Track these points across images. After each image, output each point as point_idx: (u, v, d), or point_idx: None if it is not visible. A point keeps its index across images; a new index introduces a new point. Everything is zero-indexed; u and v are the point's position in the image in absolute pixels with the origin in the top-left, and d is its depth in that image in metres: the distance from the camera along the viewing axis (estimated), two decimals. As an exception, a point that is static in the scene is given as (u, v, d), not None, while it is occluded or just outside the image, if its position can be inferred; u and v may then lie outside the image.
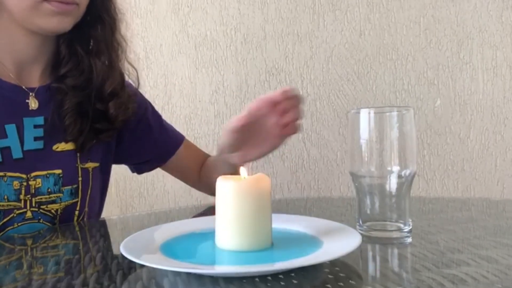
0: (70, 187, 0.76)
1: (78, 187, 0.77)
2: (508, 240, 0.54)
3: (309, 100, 1.43)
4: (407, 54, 1.43)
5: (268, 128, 0.71)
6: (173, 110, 1.41)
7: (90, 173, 0.79)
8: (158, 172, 1.41)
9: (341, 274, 0.42)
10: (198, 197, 1.40)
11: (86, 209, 0.79)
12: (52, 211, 0.74)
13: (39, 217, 0.73)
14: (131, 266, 0.47)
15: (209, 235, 0.49)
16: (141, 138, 0.89)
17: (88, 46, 0.78)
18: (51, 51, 0.78)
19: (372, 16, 1.43)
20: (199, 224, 0.56)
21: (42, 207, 0.73)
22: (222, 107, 1.40)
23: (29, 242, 0.64)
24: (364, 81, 1.43)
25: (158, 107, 1.40)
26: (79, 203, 0.77)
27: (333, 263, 0.45)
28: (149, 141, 0.91)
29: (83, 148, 0.77)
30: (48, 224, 0.74)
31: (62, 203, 0.75)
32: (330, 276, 0.42)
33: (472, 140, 1.43)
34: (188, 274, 0.43)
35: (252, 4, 1.41)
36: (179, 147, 0.94)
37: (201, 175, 0.97)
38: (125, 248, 0.45)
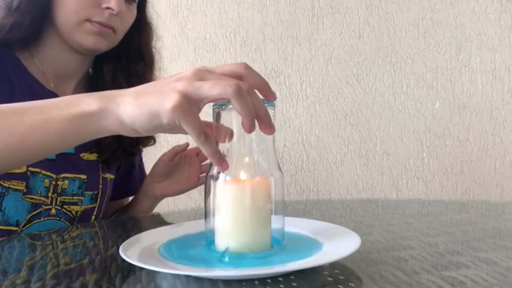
0: (91, 192, 0.84)
1: (98, 193, 0.85)
2: (508, 242, 0.54)
3: (308, 102, 1.43)
4: (406, 56, 1.43)
5: (189, 171, 0.89)
6: (172, 113, 1.41)
7: (108, 183, 0.88)
8: (157, 175, 1.41)
9: (341, 277, 0.42)
10: (197, 200, 1.40)
11: (100, 215, 0.87)
12: (73, 212, 0.81)
13: (61, 216, 0.79)
14: (130, 269, 0.47)
15: (209, 237, 0.49)
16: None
17: (130, 79, 0.87)
18: (86, 69, 0.87)
19: (371, 19, 1.43)
20: (198, 226, 0.56)
21: (65, 206, 0.80)
22: (222, 110, 1.41)
23: (28, 243, 0.64)
24: (363, 83, 1.43)
25: (157, 109, 1.41)
26: (96, 208, 0.85)
27: (333, 265, 0.45)
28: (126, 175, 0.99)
29: (108, 164, 0.87)
30: (68, 223, 0.81)
31: (82, 206, 0.82)
32: (329, 278, 0.42)
33: (471, 143, 1.43)
34: (187, 277, 0.43)
35: (251, 7, 1.42)
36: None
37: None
38: (124, 251, 0.45)
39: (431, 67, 1.43)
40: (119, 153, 0.86)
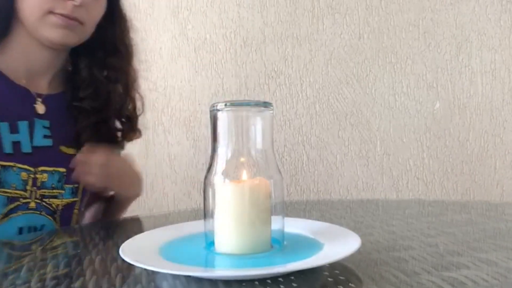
0: (71, 186, 0.81)
1: (78, 187, 0.83)
2: (508, 243, 0.54)
3: (309, 103, 1.43)
4: (406, 57, 1.43)
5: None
6: (172, 113, 1.41)
7: None
8: (157, 175, 1.41)
9: (341, 277, 0.42)
10: (197, 200, 1.40)
11: (83, 208, 0.85)
12: (53, 205, 0.79)
13: (41, 209, 0.78)
14: (130, 269, 0.47)
15: (209, 238, 0.49)
16: None
17: (107, 73, 0.86)
18: (60, 64, 0.85)
19: (371, 19, 1.43)
20: (198, 227, 0.56)
21: (44, 200, 0.78)
22: (222, 110, 1.41)
23: (27, 244, 0.64)
24: (363, 84, 1.43)
25: (157, 110, 1.41)
26: (78, 203, 0.83)
27: (333, 266, 0.45)
28: None
29: None
30: (49, 217, 0.79)
31: (63, 200, 0.81)
32: (329, 279, 0.42)
33: (472, 143, 1.43)
34: (188, 277, 0.43)
35: (251, 7, 1.42)
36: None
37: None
38: (124, 251, 0.45)
39: (431, 67, 1.43)
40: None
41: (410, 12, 1.43)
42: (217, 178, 0.48)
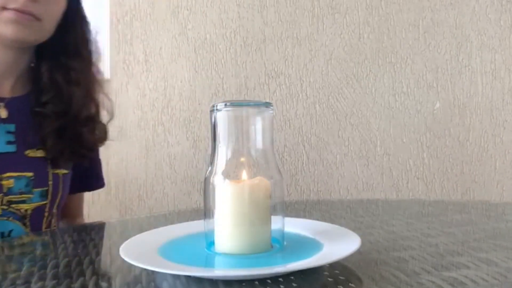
0: (40, 189, 0.80)
1: (48, 190, 0.81)
2: (508, 243, 0.54)
3: (309, 103, 1.43)
4: (406, 57, 1.43)
5: None
6: (172, 113, 1.41)
7: (61, 178, 0.84)
8: (157, 175, 1.41)
9: (341, 277, 0.42)
10: (197, 200, 1.40)
11: (55, 211, 0.83)
12: (22, 210, 0.78)
13: (9, 215, 0.77)
14: (131, 269, 0.47)
15: (209, 238, 0.49)
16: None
17: (67, 76, 0.84)
18: (23, 66, 0.83)
19: (371, 19, 1.43)
20: (198, 227, 0.56)
21: (12, 205, 0.77)
22: (222, 110, 1.41)
23: (27, 244, 0.64)
24: (363, 84, 1.43)
25: (157, 110, 1.41)
26: (48, 205, 0.81)
27: (333, 266, 0.45)
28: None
29: (57, 163, 0.83)
30: (18, 223, 0.78)
31: (32, 204, 0.79)
32: (329, 279, 0.42)
33: (472, 143, 1.43)
34: (188, 277, 0.43)
35: (251, 7, 1.42)
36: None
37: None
38: (124, 251, 0.45)
39: (431, 67, 1.43)
40: (67, 154, 0.83)
41: (410, 12, 1.43)
42: (217, 178, 0.48)
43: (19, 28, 0.74)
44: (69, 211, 0.96)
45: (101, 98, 0.90)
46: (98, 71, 0.90)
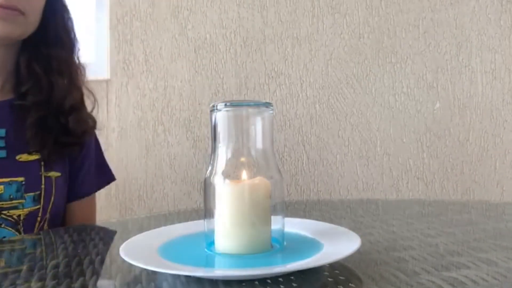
0: (32, 194, 0.78)
1: (40, 193, 0.79)
2: (508, 243, 0.54)
3: (309, 103, 1.43)
4: (406, 57, 1.43)
5: None
6: (172, 113, 1.41)
7: (53, 182, 0.82)
8: (157, 175, 1.41)
9: (341, 277, 0.42)
10: (197, 200, 1.40)
11: (48, 215, 0.81)
12: (14, 216, 0.76)
13: (1, 222, 0.75)
14: (131, 270, 0.47)
15: (209, 238, 0.49)
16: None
17: (48, 65, 0.82)
18: (10, 67, 0.82)
19: (371, 19, 1.43)
20: (198, 227, 0.56)
21: (3, 212, 0.75)
22: (222, 110, 1.40)
23: (27, 245, 0.64)
24: (364, 84, 1.43)
25: (157, 110, 1.41)
26: (41, 209, 0.79)
27: (333, 266, 0.45)
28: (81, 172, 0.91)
29: (50, 159, 0.81)
30: (11, 229, 0.76)
31: (25, 209, 0.77)
32: (330, 279, 0.42)
33: (472, 143, 1.43)
34: (188, 277, 0.43)
35: (251, 7, 1.42)
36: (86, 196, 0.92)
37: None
38: (124, 251, 0.45)
39: (431, 67, 1.43)
40: (50, 144, 0.80)
41: (410, 12, 1.43)
42: (217, 178, 0.48)
43: (4, 24, 0.72)
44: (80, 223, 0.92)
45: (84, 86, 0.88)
46: (78, 59, 0.88)
